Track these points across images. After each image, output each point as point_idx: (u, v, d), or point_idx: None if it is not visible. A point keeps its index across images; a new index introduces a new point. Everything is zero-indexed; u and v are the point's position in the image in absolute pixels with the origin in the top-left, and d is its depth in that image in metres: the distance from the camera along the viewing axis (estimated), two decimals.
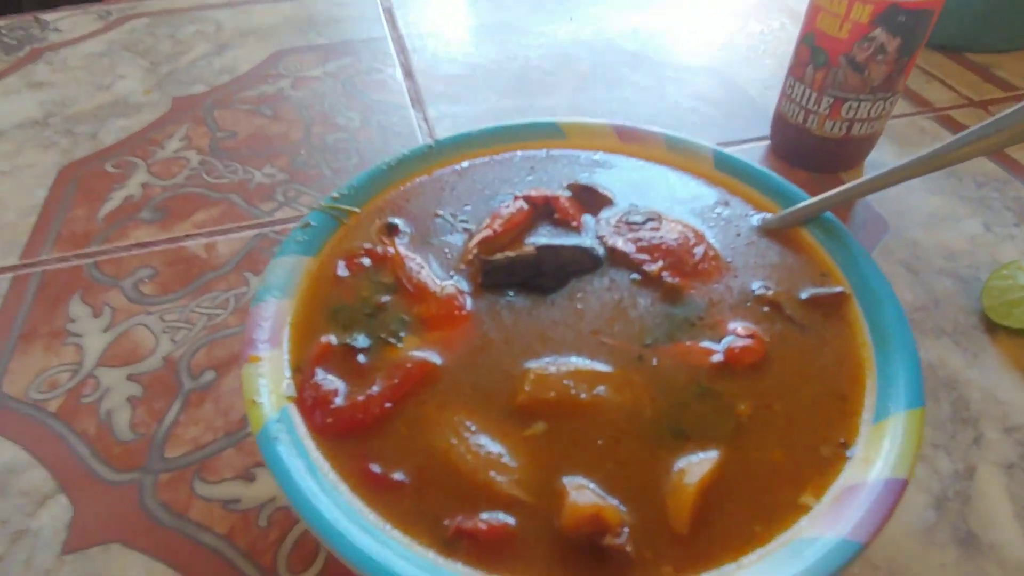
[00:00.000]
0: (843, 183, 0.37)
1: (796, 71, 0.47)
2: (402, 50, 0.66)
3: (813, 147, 0.48)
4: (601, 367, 0.28)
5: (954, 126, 0.55)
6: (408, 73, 0.63)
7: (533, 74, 0.62)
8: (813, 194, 0.34)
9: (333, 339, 0.29)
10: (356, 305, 0.30)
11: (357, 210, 0.35)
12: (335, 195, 0.35)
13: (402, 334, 0.29)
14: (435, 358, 0.28)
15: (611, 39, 0.68)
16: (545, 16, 0.72)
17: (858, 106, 0.45)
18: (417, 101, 0.59)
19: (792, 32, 0.68)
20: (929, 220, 0.46)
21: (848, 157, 0.48)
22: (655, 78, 0.62)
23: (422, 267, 0.32)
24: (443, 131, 0.55)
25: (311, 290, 0.31)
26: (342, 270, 0.32)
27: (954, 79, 0.61)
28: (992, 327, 0.38)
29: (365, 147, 0.53)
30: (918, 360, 0.26)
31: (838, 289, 0.30)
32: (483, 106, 0.58)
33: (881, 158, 0.51)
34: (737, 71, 0.63)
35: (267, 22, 0.71)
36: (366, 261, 0.32)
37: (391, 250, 0.33)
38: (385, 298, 0.31)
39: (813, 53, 0.44)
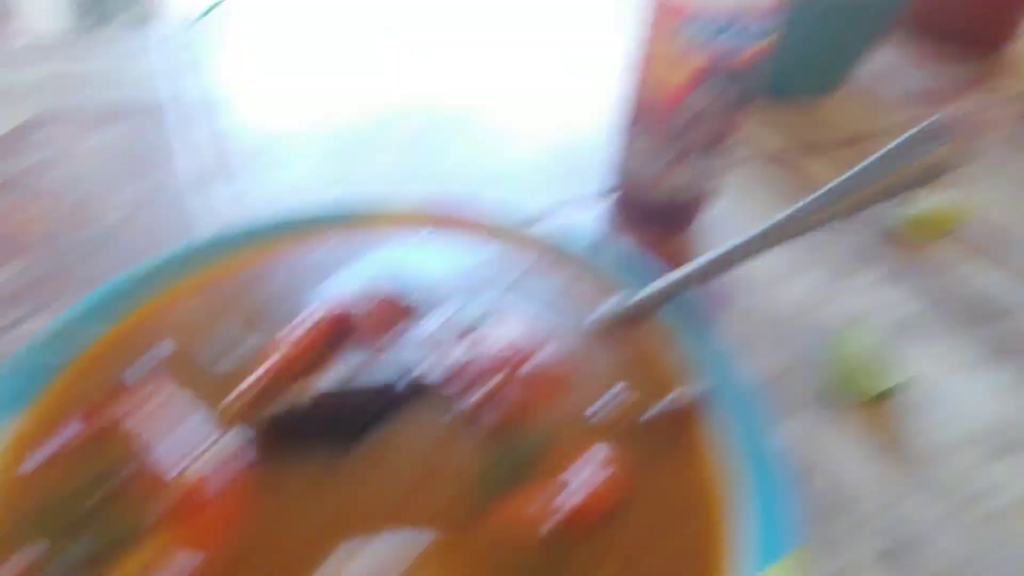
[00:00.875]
0: (688, 243, 0.33)
1: (632, 124, 0.44)
2: (191, 118, 0.56)
3: (656, 205, 0.45)
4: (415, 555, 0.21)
5: (787, 169, 0.55)
6: (200, 144, 0.53)
7: (353, 139, 0.55)
8: (665, 254, 0.30)
9: None
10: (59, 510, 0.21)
11: (76, 354, 0.26)
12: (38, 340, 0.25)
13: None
14: None
15: (438, 100, 0.62)
16: (361, 75, 0.65)
17: (692, 163, 0.43)
18: (214, 175, 0.50)
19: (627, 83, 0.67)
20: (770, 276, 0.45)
21: (683, 216, 0.46)
22: (490, 136, 0.57)
23: (166, 430, 0.23)
24: (248, 209, 0.46)
25: None
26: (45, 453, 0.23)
27: (777, 124, 0.62)
28: (840, 399, 0.36)
29: (139, 239, 0.43)
30: (784, 486, 0.22)
31: (681, 398, 0.26)
32: (294, 175, 0.50)
33: (721, 212, 0.50)
34: (577, 125, 0.60)
35: (28, 78, 0.58)
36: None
37: (120, 410, 0.24)
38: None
39: (640, 108, 0.42)
